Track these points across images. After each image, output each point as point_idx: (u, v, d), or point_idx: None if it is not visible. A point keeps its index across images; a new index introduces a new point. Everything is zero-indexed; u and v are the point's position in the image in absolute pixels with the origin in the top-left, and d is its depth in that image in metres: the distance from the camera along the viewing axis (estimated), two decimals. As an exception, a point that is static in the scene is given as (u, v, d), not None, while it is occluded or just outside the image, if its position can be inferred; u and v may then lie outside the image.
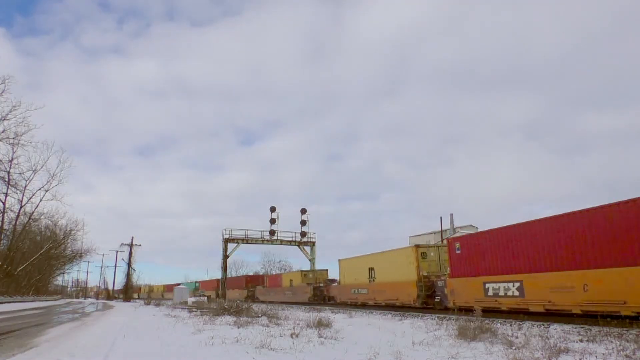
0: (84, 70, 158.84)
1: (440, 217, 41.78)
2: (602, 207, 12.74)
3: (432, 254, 22.91)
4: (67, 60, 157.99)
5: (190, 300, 40.44)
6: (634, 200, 11.82)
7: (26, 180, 43.66)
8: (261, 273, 69.85)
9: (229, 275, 55.71)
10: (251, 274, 65.54)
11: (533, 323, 12.93)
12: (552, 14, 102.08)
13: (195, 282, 69.24)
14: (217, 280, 57.99)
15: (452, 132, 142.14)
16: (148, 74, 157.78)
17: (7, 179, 41.24)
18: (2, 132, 37.40)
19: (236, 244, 48.54)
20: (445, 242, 23.47)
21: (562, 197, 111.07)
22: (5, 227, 46.33)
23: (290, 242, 50.19)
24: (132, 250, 63.97)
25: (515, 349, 7.78)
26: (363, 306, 26.54)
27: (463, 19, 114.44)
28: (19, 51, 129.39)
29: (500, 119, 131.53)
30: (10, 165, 40.74)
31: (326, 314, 18.21)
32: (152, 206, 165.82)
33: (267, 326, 12.89)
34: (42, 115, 77.62)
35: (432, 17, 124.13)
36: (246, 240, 48.61)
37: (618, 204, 12.26)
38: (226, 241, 47.92)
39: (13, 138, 38.11)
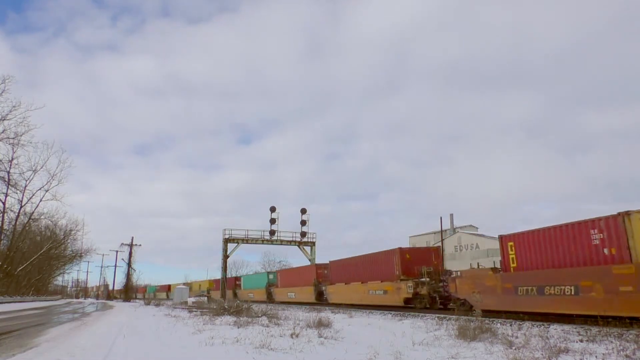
0: (79, 68, 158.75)
1: (440, 217, 41.74)
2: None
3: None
4: (62, 57, 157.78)
5: (190, 300, 40.46)
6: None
7: (26, 180, 43.80)
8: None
9: (228, 276, 55.27)
10: (406, 246, 31.38)
11: (533, 323, 12.93)
12: (552, 11, 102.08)
13: (269, 272, 49.72)
14: (318, 267, 34.59)
15: (452, 131, 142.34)
16: (144, 71, 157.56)
17: (7, 179, 41.37)
18: (2, 132, 37.52)
19: (236, 244, 48.48)
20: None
21: (565, 196, 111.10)
22: (5, 227, 46.40)
23: (290, 242, 50.12)
24: (132, 250, 63.88)
25: (515, 349, 7.78)
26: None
27: (462, 16, 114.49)
28: (13, 48, 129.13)
29: (501, 118, 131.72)
30: (10, 165, 40.88)
31: (326, 314, 18.21)
32: (151, 206, 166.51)
33: (267, 326, 12.89)
34: (38, 113, 77.66)
35: (431, 14, 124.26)
36: (246, 240, 48.57)
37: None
38: (226, 241, 47.87)
39: (13, 138, 38.27)
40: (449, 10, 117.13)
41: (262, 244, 50.11)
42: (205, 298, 42.93)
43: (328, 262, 32.07)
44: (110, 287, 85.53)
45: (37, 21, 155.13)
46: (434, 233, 41.99)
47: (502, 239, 16.61)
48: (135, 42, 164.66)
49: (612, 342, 8.44)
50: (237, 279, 55.17)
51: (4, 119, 36.97)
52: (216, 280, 61.75)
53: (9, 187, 42.14)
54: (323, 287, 31.66)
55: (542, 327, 11.79)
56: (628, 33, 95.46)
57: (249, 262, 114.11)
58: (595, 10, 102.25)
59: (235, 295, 48.24)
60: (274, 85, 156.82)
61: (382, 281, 24.78)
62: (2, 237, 46.31)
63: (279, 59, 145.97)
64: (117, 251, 69.71)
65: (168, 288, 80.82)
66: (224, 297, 44.61)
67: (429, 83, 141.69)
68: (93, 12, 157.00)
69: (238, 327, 12.48)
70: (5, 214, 44.94)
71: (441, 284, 21.15)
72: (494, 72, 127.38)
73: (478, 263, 28.52)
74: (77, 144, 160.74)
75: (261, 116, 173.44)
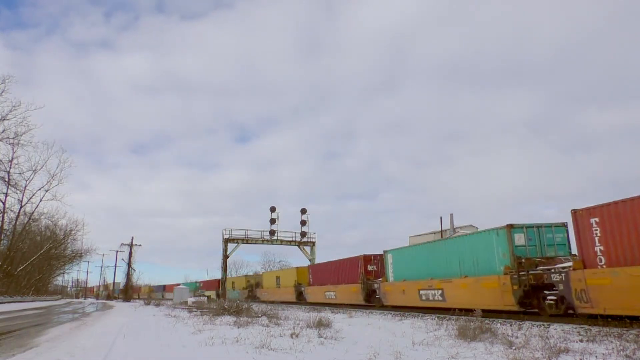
0: (74, 65, 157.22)
1: (440, 217, 41.68)
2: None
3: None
4: (56, 54, 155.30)
5: (190, 300, 40.46)
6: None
7: (26, 180, 43.87)
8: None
9: (228, 276, 54.95)
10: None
11: (533, 323, 12.94)
12: (553, 8, 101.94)
13: (498, 229, 16.32)
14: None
15: (452, 129, 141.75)
16: (139, 69, 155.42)
17: (7, 179, 41.41)
18: (2, 132, 37.55)
19: (236, 244, 48.52)
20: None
21: (566, 195, 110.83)
22: (5, 227, 46.43)
23: (290, 242, 50.17)
24: (132, 250, 63.92)
25: (515, 349, 7.78)
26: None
27: (462, 13, 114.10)
28: (7, 46, 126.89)
29: (501, 116, 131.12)
30: (10, 165, 40.93)
31: (326, 314, 18.22)
32: (150, 206, 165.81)
33: (267, 326, 12.90)
34: (36, 112, 77.11)
35: (431, 10, 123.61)
36: (246, 240, 48.61)
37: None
38: (226, 241, 47.92)
39: (13, 138, 38.31)
40: (448, 7, 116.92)
41: (262, 244, 50.19)
42: (205, 298, 42.59)
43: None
44: (113, 287, 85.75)
45: (30, 17, 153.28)
46: (434, 233, 42.03)
47: None
48: (130, 39, 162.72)
49: (612, 342, 8.44)
50: (368, 259, 25.90)
51: (4, 119, 37.06)
52: (315, 267, 36.15)
53: (9, 187, 42.24)
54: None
55: (542, 327, 11.80)
56: (629, 30, 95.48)
57: (249, 262, 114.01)
58: (596, 7, 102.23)
59: (368, 297, 25.28)
60: (271, 83, 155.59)
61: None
62: (2, 237, 46.35)
63: (275, 56, 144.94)
64: (117, 251, 69.79)
65: (218, 284, 54.31)
66: (224, 297, 44.59)
67: (429, 81, 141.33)
68: (87, 8, 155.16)
69: (238, 327, 12.49)
70: (5, 214, 45.02)
71: None
72: (494, 69, 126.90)
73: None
74: (73, 143, 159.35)
75: (258, 114, 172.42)
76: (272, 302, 36.92)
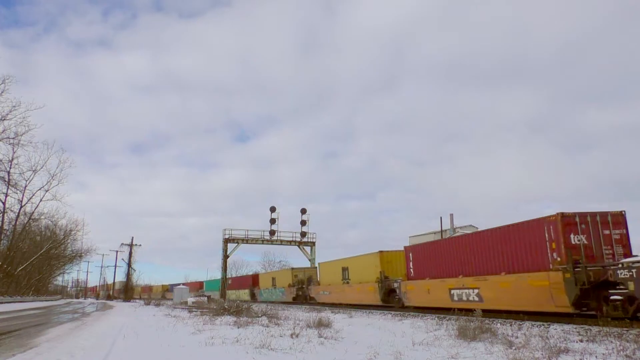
0: (72, 64, 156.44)
1: (440, 217, 41.67)
2: None
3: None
4: (54, 53, 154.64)
5: (190, 300, 40.46)
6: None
7: (26, 180, 43.83)
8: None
9: (228, 275, 54.75)
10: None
11: (533, 323, 12.94)
12: (553, 8, 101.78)
13: None
14: None
15: (452, 128, 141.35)
16: (138, 67, 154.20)
17: (7, 179, 41.37)
18: (2, 132, 37.52)
19: (236, 244, 48.57)
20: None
21: (568, 195, 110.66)
22: (5, 227, 46.43)
23: (290, 242, 50.21)
24: (132, 250, 63.99)
25: (515, 349, 7.78)
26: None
27: (462, 12, 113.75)
28: (4, 44, 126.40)
29: (502, 115, 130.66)
30: (10, 165, 40.88)
31: (326, 314, 18.23)
32: (149, 205, 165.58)
33: (267, 326, 12.90)
34: (35, 112, 76.64)
35: (430, 9, 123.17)
36: (246, 241, 48.65)
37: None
38: (226, 241, 47.97)
39: (13, 138, 38.25)
40: (448, 6, 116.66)
41: (262, 244, 50.24)
42: (205, 298, 42.35)
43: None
44: (113, 287, 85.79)
45: (27, 16, 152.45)
46: (434, 233, 42.02)
47: None
48: (128, 37, 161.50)
49: (612, 342, 8.44)
50: (570, 222, 14.06)
51: (4, 119, 36.98)
52: (421, 248, 23.22)
53: (9, 187, 42.18)
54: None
55: (542, 327, 11.80)
56: (629, 30, 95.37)
57: (249, 262, 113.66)
58: (596, 7, 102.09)
59: (583, 298, 13.05)
60: (270, 82, 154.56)
61: None
62: (2, 237, 46.35)
63: (274, 55, 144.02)
64: (117, 251, 69.90)
65: (252, 281, 49.38)
66: (224, 297, 44.62)
67: (429, 80, 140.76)
68: (84, 6, 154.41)
69: (238, 327, 12.50)
70: (5, 214, 45.00)
71: None
72: (494, 68, 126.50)
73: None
74: (71, 142, 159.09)
75: (257, 114, 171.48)
76: (336, 306, 27.75)
